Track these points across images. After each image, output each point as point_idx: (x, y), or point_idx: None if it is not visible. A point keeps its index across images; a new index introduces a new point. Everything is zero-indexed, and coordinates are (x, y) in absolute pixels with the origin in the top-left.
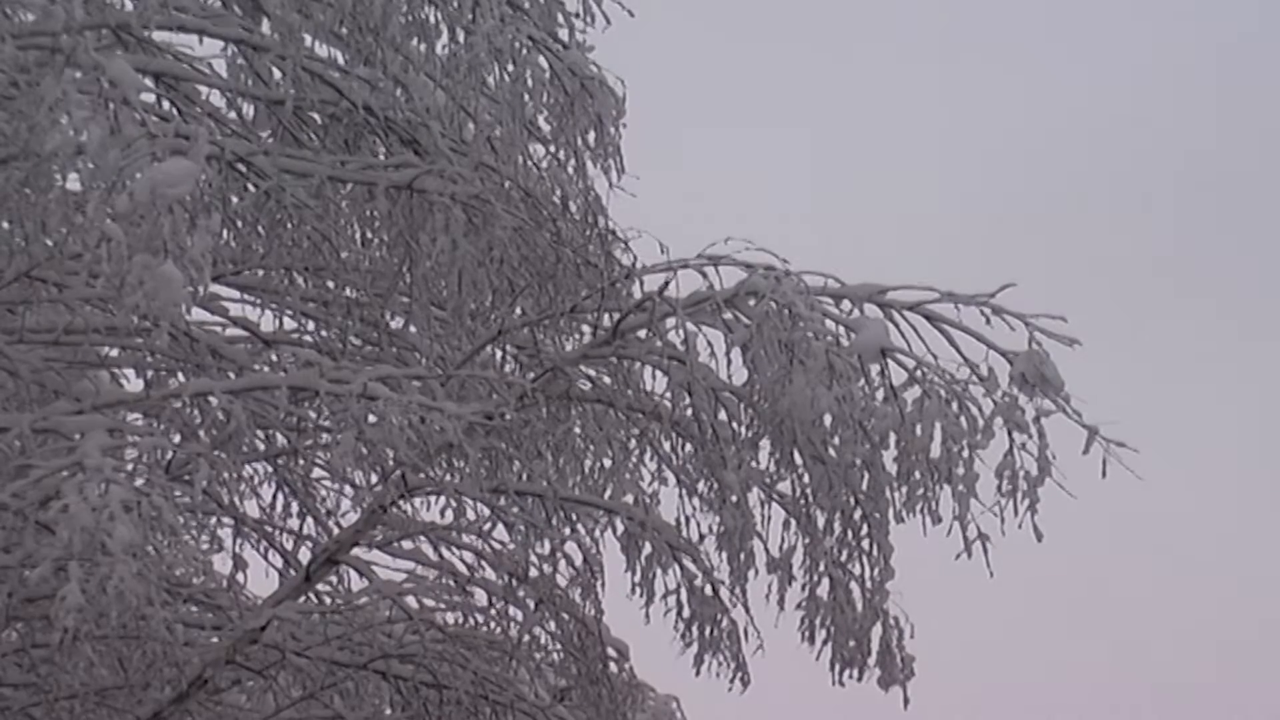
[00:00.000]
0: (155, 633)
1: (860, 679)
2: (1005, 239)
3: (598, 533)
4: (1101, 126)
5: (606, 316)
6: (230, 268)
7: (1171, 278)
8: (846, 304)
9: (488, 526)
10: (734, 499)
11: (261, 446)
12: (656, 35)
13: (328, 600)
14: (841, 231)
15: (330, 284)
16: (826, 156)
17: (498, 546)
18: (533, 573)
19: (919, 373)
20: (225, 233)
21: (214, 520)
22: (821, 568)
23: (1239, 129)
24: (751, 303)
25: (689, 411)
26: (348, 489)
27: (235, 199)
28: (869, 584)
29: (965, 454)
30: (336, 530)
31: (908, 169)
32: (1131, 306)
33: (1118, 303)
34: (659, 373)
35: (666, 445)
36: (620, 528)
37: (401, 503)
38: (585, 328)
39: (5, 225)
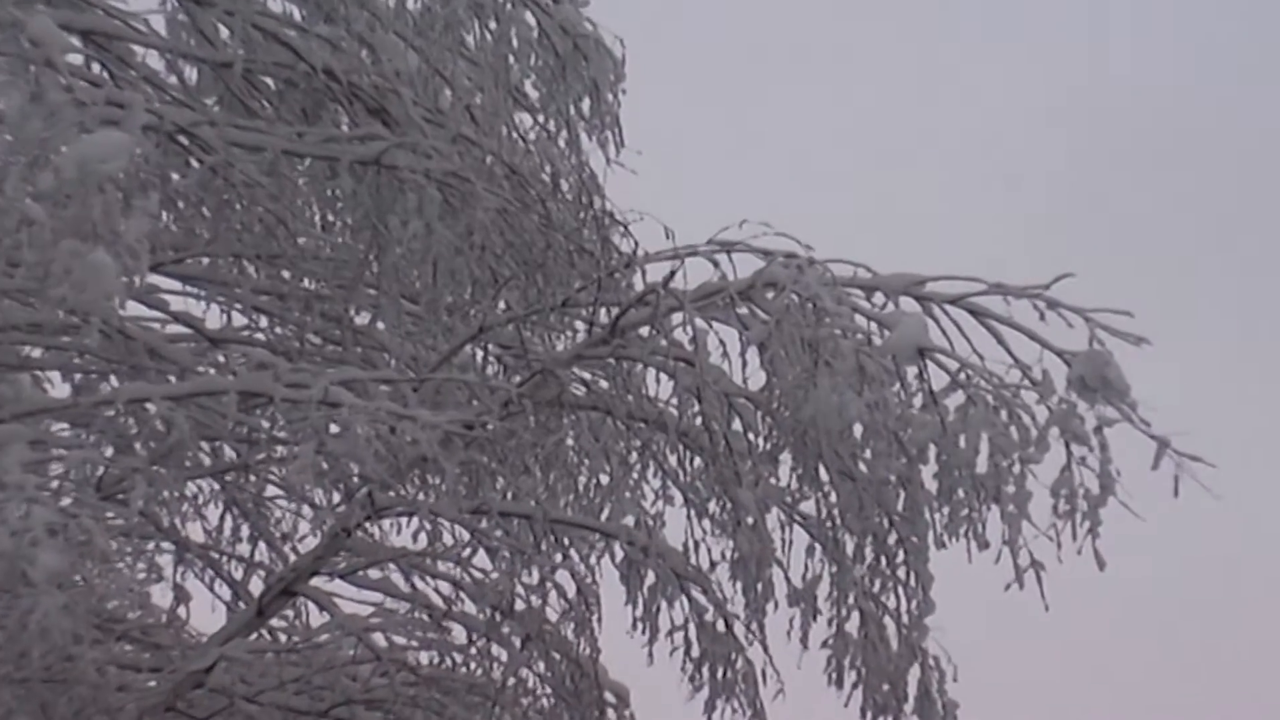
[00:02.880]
0: (84, 675)
1: None
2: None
3: (594, 560)
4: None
5: (604, 311)
6: (171, 255)
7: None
8: (879, 297)
9: (467, 553)
10: (750, 521)
11: (207, 461)
12: None
13: (283, 638)
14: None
15: (286, 274)
16: (872, 126)
17: (479, 576)
18: (519, 606)
19: (962, 376)
20: (165, 215)
21: (152, 546)
22: (851, 600)
23: None
24: (770, 295)
25: (698, 420)
26: (306, 510)
27: (176, 176)
28: (905, 619)
29: (1016, 469)
30: (293, 557)
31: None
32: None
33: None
34: (663, 376)
35: (672, 459)
36: (619, 554)
37: (368, 525)
38: (579, 324)
39: None
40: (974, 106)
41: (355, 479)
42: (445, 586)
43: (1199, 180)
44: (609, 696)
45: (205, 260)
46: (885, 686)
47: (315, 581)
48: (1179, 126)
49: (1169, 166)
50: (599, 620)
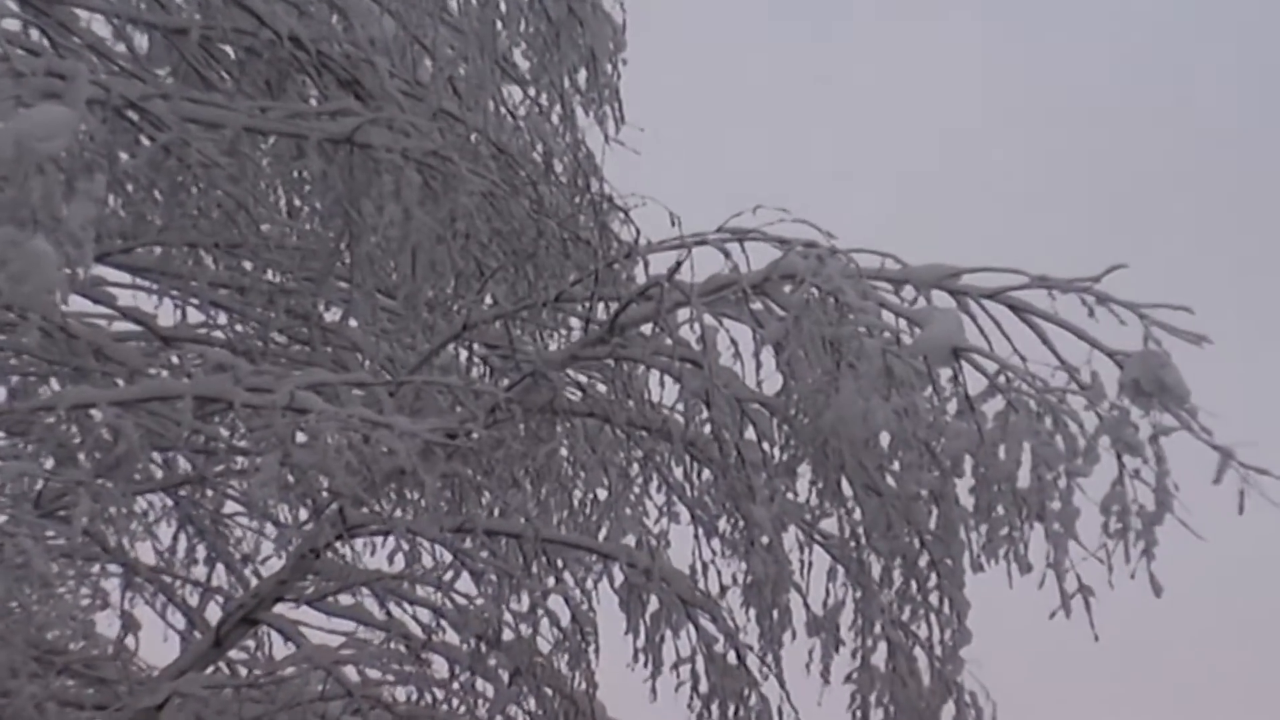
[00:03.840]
0: (21, 713)
1: None
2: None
3: (590, 584)
4: None
5: (601, 307)
6: (119, 244)
7: None
8: (909, 291)
9: (449, 576)
10: (765, 540)
11: (159, 474)
12: None
13: (243, 671)
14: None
15: (248, 265)
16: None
17: (462, 602)
18: (507, 635)
19: (1002, 379)
20: (112, 199)
21: (98, 568)
22: (877, 629)
23: None
24: (787, 289)
25: (707, 428)
26: (269, 528)
27: (125, 156)
28: (938, 650)
29: (1062, 483)
30: (255, 581)
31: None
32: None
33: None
34: (668, 378)
35: (678, 472)
36: (619, 577)
37: (339, 545)
38: (574, 321)
39: None
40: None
41: (324, 494)
42: (425, 614)
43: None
44: None
45: (157, 250)
46: None
47: (279, 608)
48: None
49: (1230, 156)
50: (596, 652)
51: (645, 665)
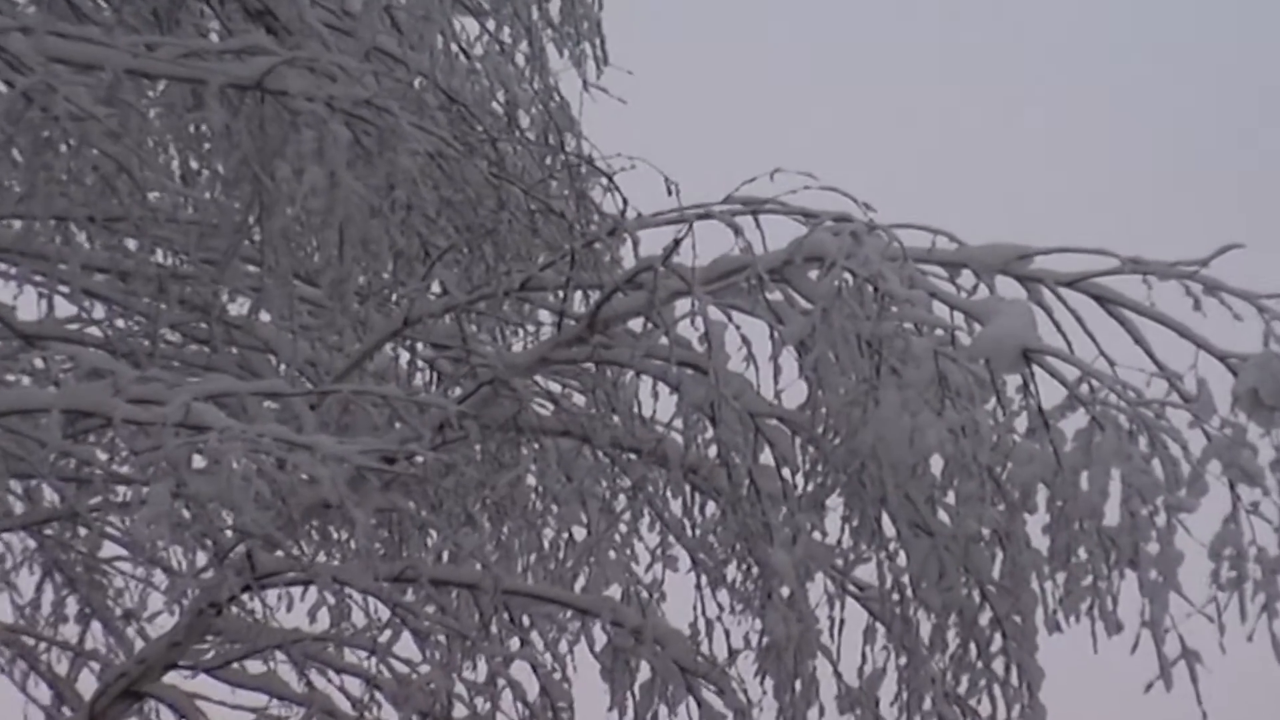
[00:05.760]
0: None
1: None
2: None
3: (565, 647)
4: None
5: (579, 296)
6: None
7: None
8: (968, 277)
9: (386, 637)
10: (785, 592)
11: (18, 507)
12: None
13: None
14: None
15: (131, 244)
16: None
17: (402, 669)
18: (459, 712)
19: (1085, 388)
20: None
21: None
22: (927, 704)
23: None
24: (813, 275)
25: (712, 451)
26: (159, 576)
27: None
28: None
29: (1161, 520)
30: (140, 644)
31: None
32: None
33: None
34: (663, 387)
35: (676, 505)
36: (601, 639)
37: (246, 598)
38: (545, 315)
39: None
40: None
41: (228, 533)
42: (355, 684)
43: None
44: None
45: (16, 224)
46: None
47: (170, 678)
48: None
49: None
50: None
51: None
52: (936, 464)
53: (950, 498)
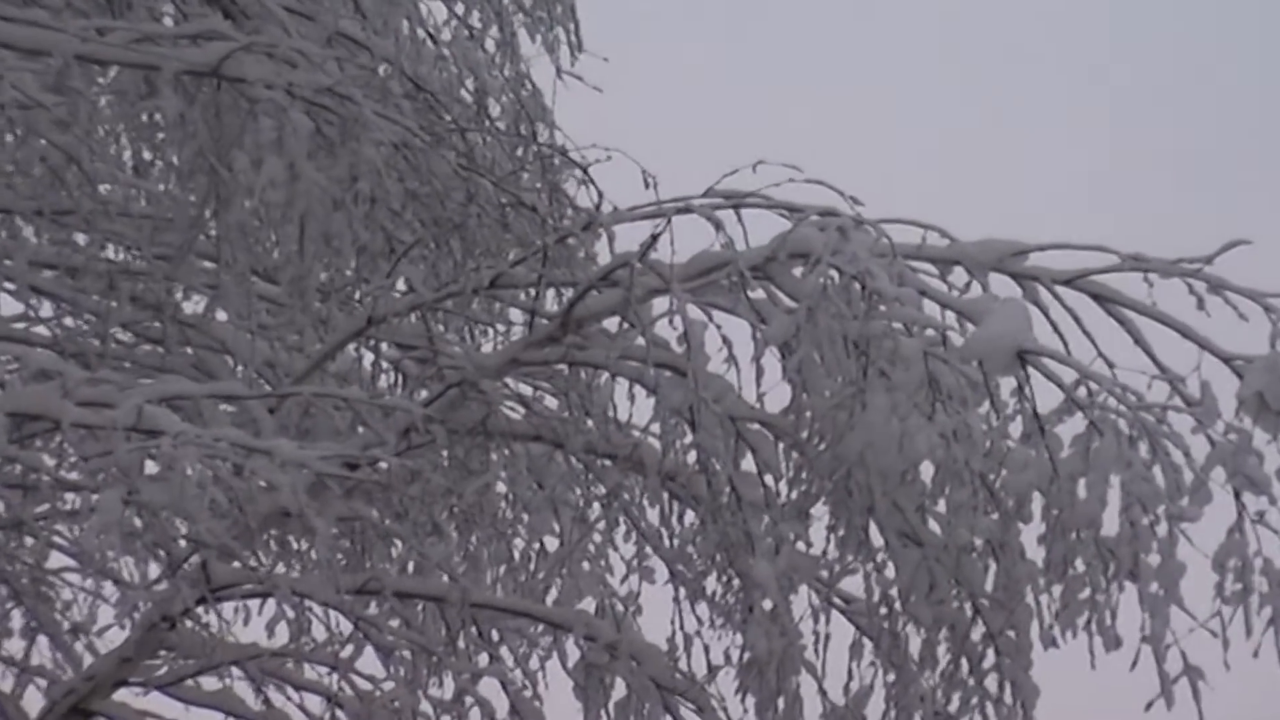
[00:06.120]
0: None
1: None
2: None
3: (536, 663)
4: None
5: (551, 294)
6: None
7: None
8: (960, 274)
9: (349, 652)
10: (767, 605)
11: None
12: None
13: None
14: None
15: (80, 238)
16: None
17: (365, 686)
18: None
19: (1083, 391)
20: None
21: None
22: None
23: None
24: (798, 271)
25: (691, 457)
26: (109, 588)
27: None
28: None
29: (1162, 530)
30: (90, 659)
31: None
32: None
33: None
34: (640, 390)
35: (653, 514)
36: (574, 654)
37: (201, 611)
38: (516, 314)
39: None
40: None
41: (182, 543)
42: (315, 702)
43: None
44: None
45: None
46: None
47: (121, 695)
48: None
49: None
50: None
51: None
52: (927, 471)
53: (941, 506)
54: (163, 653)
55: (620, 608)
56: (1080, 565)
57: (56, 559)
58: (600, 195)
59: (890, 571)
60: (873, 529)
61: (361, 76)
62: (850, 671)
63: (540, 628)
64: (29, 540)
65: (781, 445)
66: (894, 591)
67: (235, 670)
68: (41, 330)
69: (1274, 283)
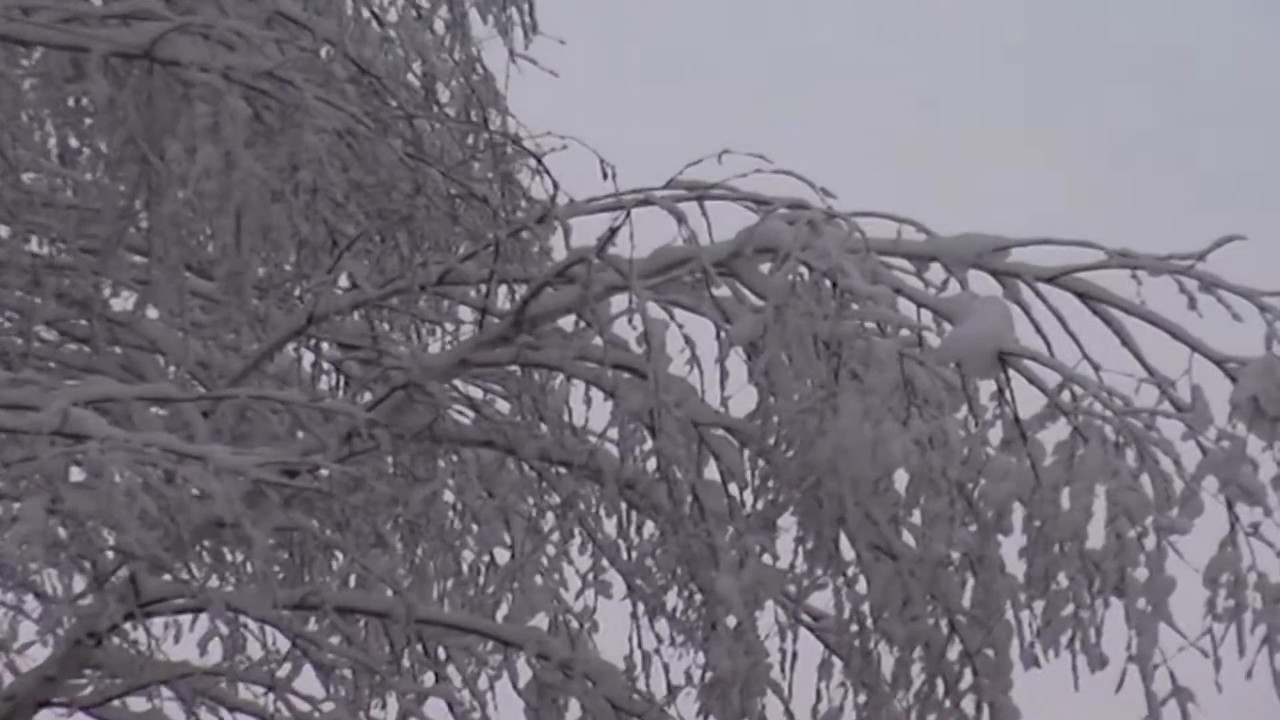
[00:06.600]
0: None
1: None
2: None
3: (485, 682)
4: None
5: (504, 291)
6: None
7: None
8: (937, 271)
9: (286, 670)
10: (731, 622)
11: None
12: None
13: None
14: None
15: (2, 230)
16: None
17: (304, 707)
18: None
19: (1067, 396)
20: None
21: None
22: None
23: None
24: (766, 268)
25: (651, 464)
26: (30, 602)
27: None
28: None
29: (1150, 543)
30: (10, 678)
31: None
32: None
33: None
34: (597, 393)
35: (610, 525)
36: (526, 673)
37: (130, 627)
38: (465, 312)
39: None
40: None
41: (110, 554)
42: None
43: None
44: None
45: None
46: None
47: (44, 716)
48: None
49: None
50: None
51: None
52: (901, 480)
53: (916, 517)
54: (88, 671)
55: (575, 624)
56: (1063, 580)
57: None
58: (556, 186)
59: (862, 586)
60: (843, 541)
61: (303, 59)
62: (819, 692)
63: (490, 645)
64: None
65: (747, 452)
66: (866, 607)
67: (165, 690)
68: None
69: (1270, 281)
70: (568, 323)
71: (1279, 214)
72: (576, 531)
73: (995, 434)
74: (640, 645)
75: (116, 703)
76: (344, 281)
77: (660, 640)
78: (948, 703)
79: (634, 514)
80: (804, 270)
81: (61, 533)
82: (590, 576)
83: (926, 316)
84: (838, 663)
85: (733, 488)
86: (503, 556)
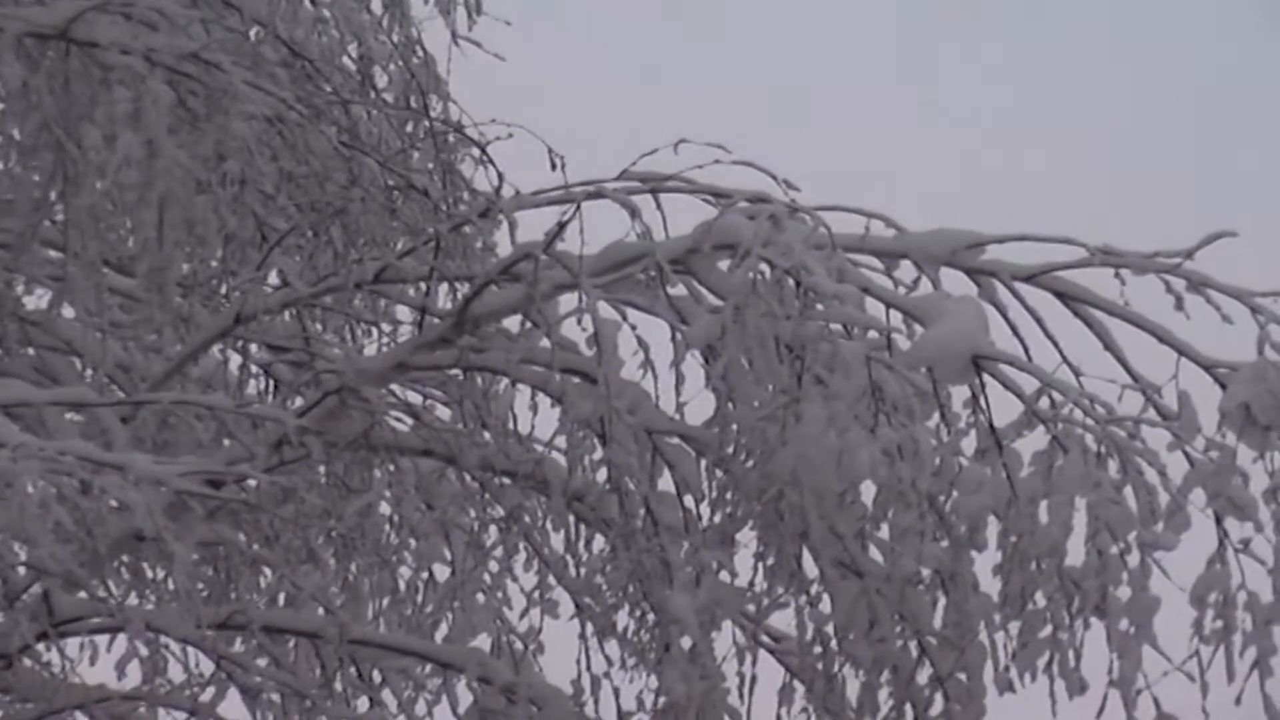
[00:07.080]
0: None
1: None
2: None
3: (422, 707)
4: None
5: (444, 290)
6: None
7: None
8: (908, 269)
9: (209, 695)
10: (686, 643)
11: None
12: None
13: None
14: None
15: None
16: None
17: None
18: None
19: (1045, 402)
20: None
21: None
22: None
23: None
24: (725, 265)
25: (601, 475)
26: None
27: None
28: None
29: (1133, 560)
30: None
31: None
32: None
33: None
34: (544, 399)
35: (558, 539)
36: (467, 697)
37: (42, 648)
38: (404, 311)
39: None
40: None
41: (20, 570)
42: None
43: None
44: None
45: None
46: None
47: None
48: None
49: None
50: None
51: None
52: (868, 492)
53: (884, 532)
54: (1, 694)
55: (519, 645)
56: (1041, 599)
57: None
58: (500, 177)
59: (826, 606)
60: (806, 557)
61: (230, 41)
62: (779, 718)
63: (428, 668)
64: None
65: (704, 462)
66: (830, 628)
67: (80, 715)
68: None
69: (1261, 281)
70: (513, 323)
71: (1279, 214)
72: (521, 546)
73: (969, 443)
74: (589, 668)
75: None
76: (274, 279)
77: (610, 663)
78: None
79: (583, 528)
80: (765, 268)
81: None
82: (536, 595)
83: (896, 318)
84: (800, 687)
85: (688, 500)
86: (442, 573)
